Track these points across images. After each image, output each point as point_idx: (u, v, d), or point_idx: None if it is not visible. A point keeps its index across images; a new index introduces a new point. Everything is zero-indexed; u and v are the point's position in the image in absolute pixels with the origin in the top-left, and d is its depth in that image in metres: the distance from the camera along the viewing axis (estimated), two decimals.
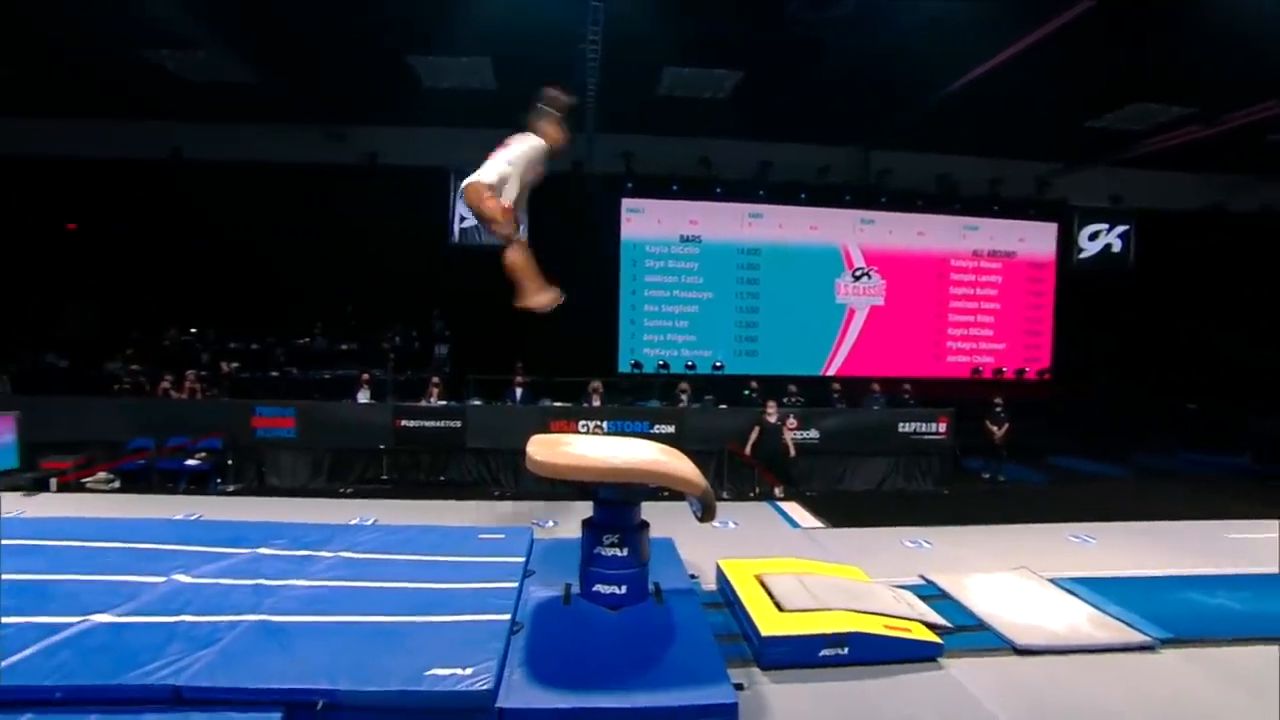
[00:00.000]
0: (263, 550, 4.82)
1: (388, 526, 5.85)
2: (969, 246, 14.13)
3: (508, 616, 3.93)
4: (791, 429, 9.95)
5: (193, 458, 9.26)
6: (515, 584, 4.42)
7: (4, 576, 4.23)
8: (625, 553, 4.32)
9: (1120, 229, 14.19)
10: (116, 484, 8.91)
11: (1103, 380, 14.26)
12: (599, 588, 4.32)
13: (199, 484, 9.17)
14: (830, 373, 13.66)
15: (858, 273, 13.87)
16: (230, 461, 9.39)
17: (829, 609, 4.63)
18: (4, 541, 4.82)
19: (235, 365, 11.79)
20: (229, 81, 10.53)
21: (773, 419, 9.73)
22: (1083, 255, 14.18)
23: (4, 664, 3.22)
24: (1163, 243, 14.19)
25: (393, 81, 10.86)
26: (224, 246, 12.55)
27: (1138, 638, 4.73)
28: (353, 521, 6.22)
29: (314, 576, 4.40)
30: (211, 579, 4.28)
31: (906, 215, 13.83)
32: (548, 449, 4.21)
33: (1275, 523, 6.96)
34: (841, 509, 8.69)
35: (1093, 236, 14.15)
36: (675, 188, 13.27)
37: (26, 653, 3.35)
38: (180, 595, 4.04)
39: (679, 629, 4.15)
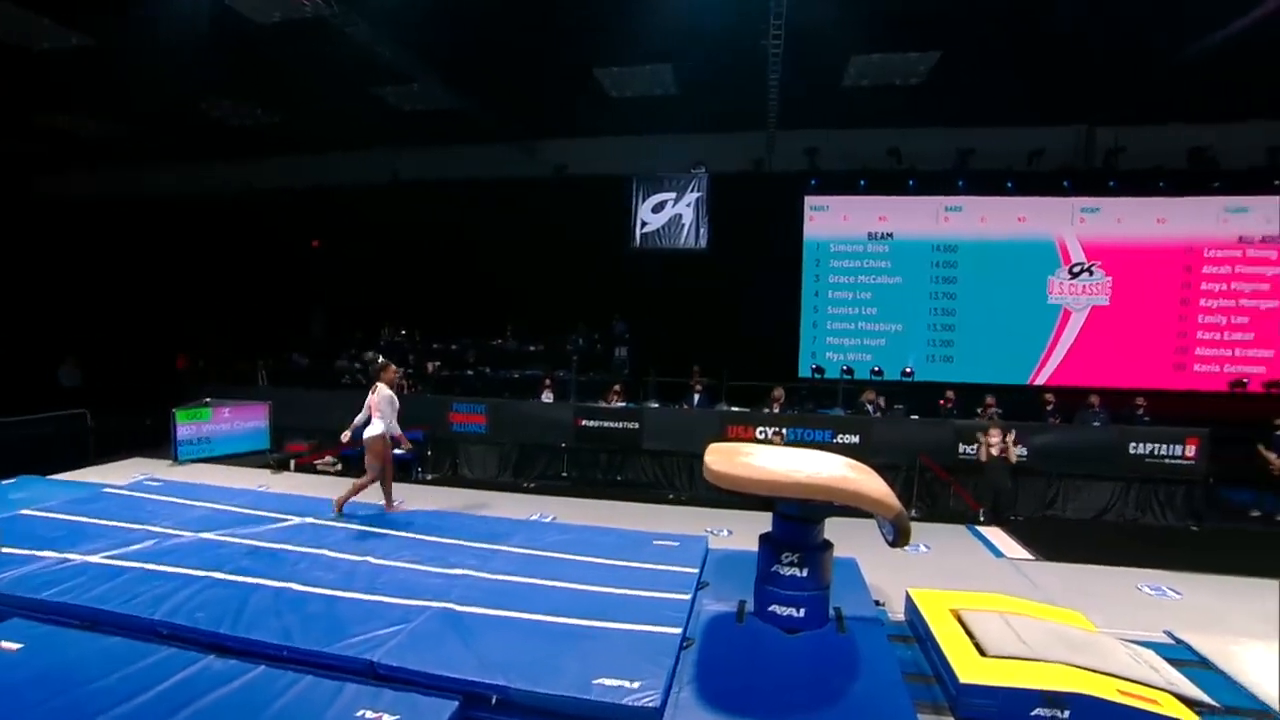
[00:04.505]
0: (452, 540, 5.16)
1: (566, 525, 6.02)
2: (1232, 232, 11.67)
3: (679, 630, 3.80)
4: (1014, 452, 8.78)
5: (399, 448, 10.27)
6: (688, 596, 4.28)
7: (246, 541, 4.94)
8: (805, 573, 4.01)
9: None
10: (339, 467, 10.17)
11: None
12: (775, 608, 4.04)
13: (404, 471, 10.12)
14: (1039, 382, 12.05)
15: (1076, 269, 12.11)
16: (430, 453, 10.32)
17: (1044, 660, 3.94)
18: (246, 511, 5.68)
19: (437, 364, 12.96)
20: (438, 109, 11.63)
21: (995, 449, 8.56)
22: None
23: (247, 619, 3.72)
24: None
25: (580, 95, 11.33)
26: (430, 255, 13.92)
27: None
28: (533, 517, 6.47)
29: (496, 570, 4.60)
30: (408, 564, 4.65)
31: (1143, 200, 11.78)
32: (727, 459, 4.01)
33: None
34: (1054, 539, 7.57)
35: None
36: (863, 183, 12.49)
37: (265, 612, 3.84)
38: (381, 576, 4.43)
39: (862, 662, 3.77)
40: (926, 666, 4.25)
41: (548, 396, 10.87)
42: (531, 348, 13.32)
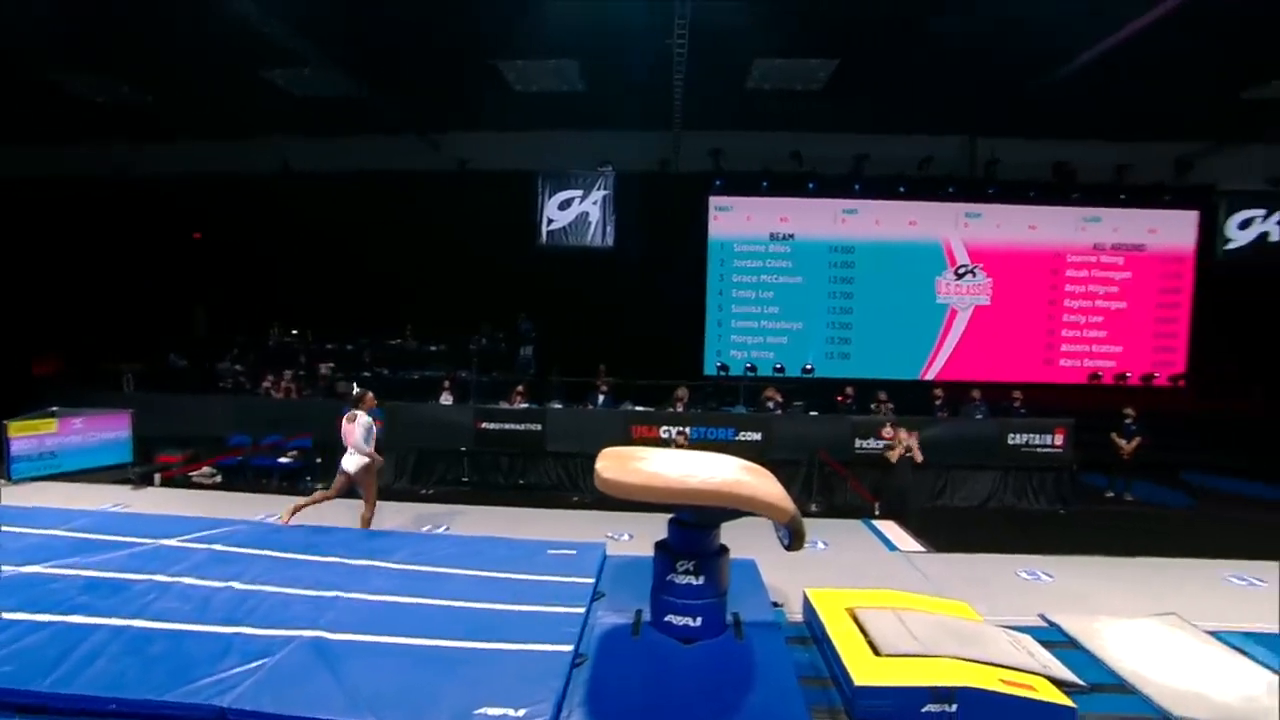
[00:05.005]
0: (331, 559, 4.75)
1: (457, 537, 5.72)
2: (1088, 240, 12.75)
3: (570, 647, 3.62)
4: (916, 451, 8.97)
5: (285, 456, 9.57)
6: (582, 609, 4.11)
7: (84, 573, 4.36)
8: (701, 581, 3.92)
9: None
10: (218, 478, 9.33)
11: (1260, 389, 12.47)
12: (671, 618, 3.93)
13: (291, 481, 9.46)
14: (929, 377, 12.67)
15: (961, 270, 12.83)
16: (320, 460, 9.62)
17: (934, 655, 4.04)
18: (89, 536, 5.03)
19: (331, 366, 12.19)
20: (332, 96, 10.91)
21: (900, 448, 8.78)
22: (1231, 246, 12.39)
23: (67, 669, 3.21)
24: None
25: (484, 88, 10.90)
26: (324, 251, 13.06)
27: None
28: (426, 528, 6.12)
29: (376, 590, 4.25)
30: (276, 587, 4.21)
31: (1017, 207, 12.61)
32: (619, 465, 3.84)
33: None
34: (944, 530, 7.91)
35: (1245, 225, 12.34)
36: (765, 184, 12.70)
37: (95, 658, 3.34)
38: (244, 603, 3.98)
39: (759, 670, 3.72)
40: (824, 668, 4.26)
41: (447, 398, 10.41)
42: (433, 347, 12.74)
